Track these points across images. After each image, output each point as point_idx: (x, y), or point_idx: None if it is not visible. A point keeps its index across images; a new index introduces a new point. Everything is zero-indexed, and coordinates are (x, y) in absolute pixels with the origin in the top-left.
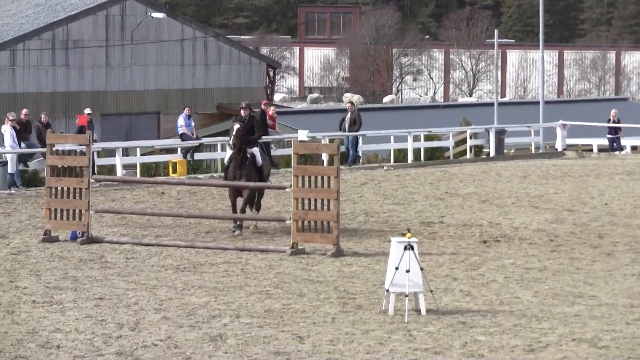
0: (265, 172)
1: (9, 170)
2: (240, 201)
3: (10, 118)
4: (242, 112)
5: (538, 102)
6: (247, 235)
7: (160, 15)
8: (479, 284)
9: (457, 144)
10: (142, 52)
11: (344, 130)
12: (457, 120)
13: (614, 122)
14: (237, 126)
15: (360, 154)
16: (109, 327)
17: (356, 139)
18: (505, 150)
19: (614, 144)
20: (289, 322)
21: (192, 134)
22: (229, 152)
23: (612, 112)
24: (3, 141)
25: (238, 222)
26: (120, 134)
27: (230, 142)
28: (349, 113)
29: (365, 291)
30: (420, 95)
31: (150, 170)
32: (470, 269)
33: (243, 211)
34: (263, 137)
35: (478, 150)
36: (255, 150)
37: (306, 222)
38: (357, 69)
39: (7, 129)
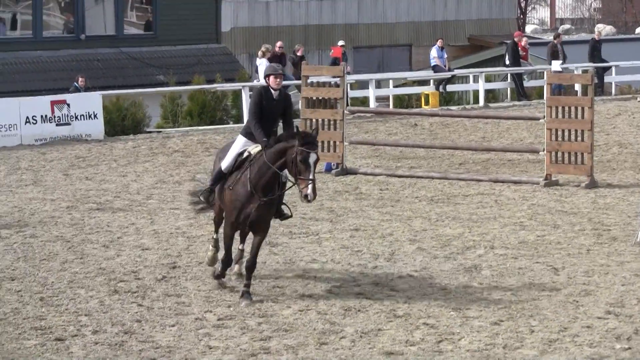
0: None
1: None
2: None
3: (269, 50)
4: (271, 81)
5: None
6: (500, 167)
7: None
8: None
9: None
10: None
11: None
12: None
13: None
14: (313, 157)
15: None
16: (364, 257)
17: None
18: None
19: None
20: (543, 253)
21: (445, 66)
22: (236, 147)
23: None
24: (258, 74)
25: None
26: (372, 67)
27: (310, 193)
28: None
29: (620, 223)
30: None
31: (402, 102)
32: None
33: (253, 265)
34: (515, 68)
35: None
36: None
37: (559, 153)
38: None
39: (263, 62)
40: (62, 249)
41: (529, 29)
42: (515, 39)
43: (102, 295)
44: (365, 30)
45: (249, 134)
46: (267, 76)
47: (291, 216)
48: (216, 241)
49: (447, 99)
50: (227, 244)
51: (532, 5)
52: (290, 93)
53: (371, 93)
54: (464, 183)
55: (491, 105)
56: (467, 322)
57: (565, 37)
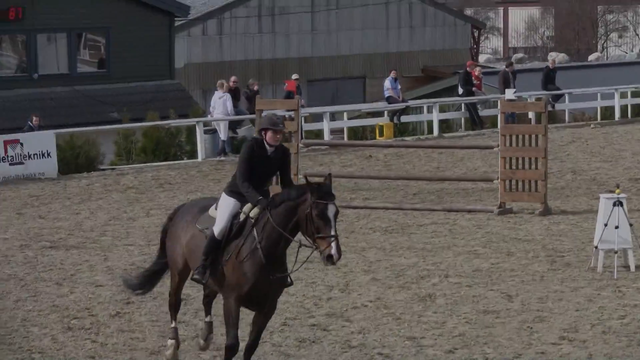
0: None
1: (222, 137)
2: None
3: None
4: (268, 137)
5: None
6: (454, 196)
7: None
8: None
9: None
10: (348, 17)
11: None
12: None
13: None
14: (332, 209)
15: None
16: (319, 289)
17: None
18: None
19: None
20: (497, 281)
21: (399, 97)
22: (226, 208)
23: None
24: (213, 108)
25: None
26: (326, 99)
27: (335, 253)
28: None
29: (573, 249)
30: (626, 52)
31: (357, 133)
32: None
33: (255, 346)
34: (469, 98)
35: None
36: None
37: (514, 181)
38: (562, 27)
39: (227, 96)
40: (15, 287)
41: (482, 58)
42: (468, 69)
43: (55, 332)
44: (319, 63)
45: (236, 194)
46: (263, 130)
47: (292, 284)
48: (175, 331)
49: (401, 130)
50: (234, 324)
51: (485, 35)
52: (246, 127)
53: (325, 125)
54: (418, 213)
55: (445, 135)
56: (421, 350)
57: (519, 66)
